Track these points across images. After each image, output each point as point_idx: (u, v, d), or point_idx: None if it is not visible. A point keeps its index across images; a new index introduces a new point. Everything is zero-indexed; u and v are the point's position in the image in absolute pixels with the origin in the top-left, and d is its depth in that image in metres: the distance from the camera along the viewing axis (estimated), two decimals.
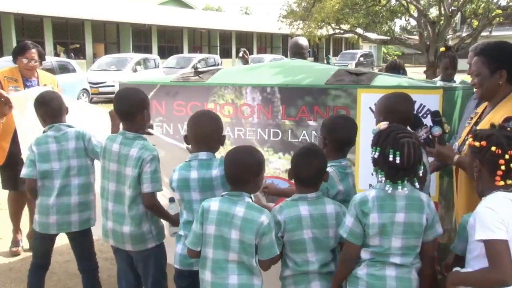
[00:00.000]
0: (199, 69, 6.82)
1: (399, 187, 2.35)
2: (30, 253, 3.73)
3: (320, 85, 3.88)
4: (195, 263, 2.68)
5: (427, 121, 3.52)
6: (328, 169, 2.66)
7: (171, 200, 3.08)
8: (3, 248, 4.98)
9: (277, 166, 4.04)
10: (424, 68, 18.33)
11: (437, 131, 2.84)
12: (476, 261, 2.20)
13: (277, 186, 3.46)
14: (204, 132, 2.77)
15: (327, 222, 2.55)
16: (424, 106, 3.54)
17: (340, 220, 2.54)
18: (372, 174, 2.45)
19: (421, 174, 2.42)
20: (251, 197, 2.53)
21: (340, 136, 2.81)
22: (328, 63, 31.93)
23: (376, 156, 2.38)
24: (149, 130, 3.25)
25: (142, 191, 2.94)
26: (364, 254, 2.42)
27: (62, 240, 5.15)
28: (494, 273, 2.05)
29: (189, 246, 2.55)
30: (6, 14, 25.54)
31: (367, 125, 3.29)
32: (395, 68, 5.54)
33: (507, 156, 2.17)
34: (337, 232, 2.53)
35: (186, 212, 2.79)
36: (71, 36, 30.38)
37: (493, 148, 2.19)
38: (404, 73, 5.47)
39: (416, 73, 23.86)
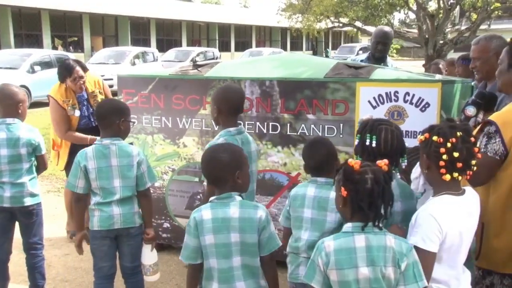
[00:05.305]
0: (198, 63, 6.80)
1: None
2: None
3: (319, 79, 3.88)
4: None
5: (426, 114, 3.53)
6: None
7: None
8: None
9: (275, 159, 4.04)
10: (423, 62, 18.31)
11: (470, 111, 2.71)
12: None
13: None
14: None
15: (327, 205, 2.65)
16: (423, 100, 3.53)
17: None
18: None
19: (403, 167, 2.41)
20: (241, 196, 2.44)
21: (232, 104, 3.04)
22: (327, 56, 31.86)
23: (356, 143, 2.44)
24: None
25: None
26: None
27: (60, 233, 5.18)
28: None
29: (188, 261, 2.41)
30: (3, 7, 25.44)
31: None
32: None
33: (448, 145, 2.04)
34: (337, 217, 2.59)
35: None
36: (69, 29, 30.30)
37: (435, 138, 2.07)
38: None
39: (414, 67, 23.86)
